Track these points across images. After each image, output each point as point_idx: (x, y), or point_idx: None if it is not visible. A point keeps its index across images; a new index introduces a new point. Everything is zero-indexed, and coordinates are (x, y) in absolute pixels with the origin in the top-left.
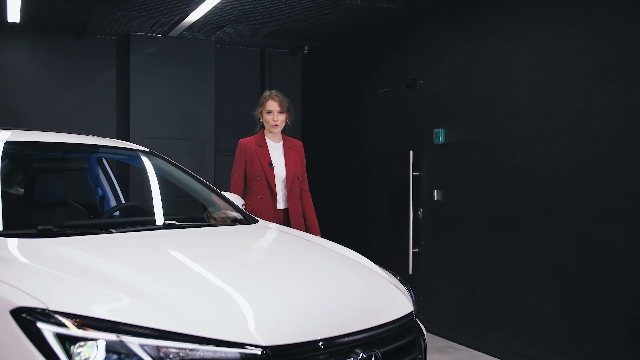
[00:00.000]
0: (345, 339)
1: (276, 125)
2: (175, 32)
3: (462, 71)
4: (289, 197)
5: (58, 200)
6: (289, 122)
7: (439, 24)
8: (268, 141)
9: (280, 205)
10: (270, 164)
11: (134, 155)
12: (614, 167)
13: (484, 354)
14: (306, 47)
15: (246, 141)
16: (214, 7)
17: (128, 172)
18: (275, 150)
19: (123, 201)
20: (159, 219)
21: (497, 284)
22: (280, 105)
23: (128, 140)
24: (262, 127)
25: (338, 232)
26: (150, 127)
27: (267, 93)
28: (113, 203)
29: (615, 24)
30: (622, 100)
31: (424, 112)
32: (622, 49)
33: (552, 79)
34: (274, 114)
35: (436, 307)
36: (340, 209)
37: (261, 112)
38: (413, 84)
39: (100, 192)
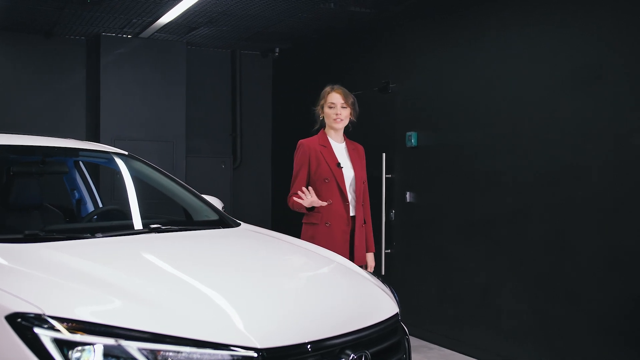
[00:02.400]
0: (336, 341)
1: (339, 120)
2: (146, 33)
3: (435, 75)
4: (357, 202)
5: (34, 203)
6: (353, 118)
7: (412, 28)
8: (331, 141)
9: (352, 210)
10: (339, 164)
11: (112, 158)
12: (584, 169)
13: (457, 353)
14: (277, 50)
15: (308, 141)
16: (188, 9)
17: (98, 174)
18: (340, 151)
19: (100, 205)
20: (145, 223)
21: (469, 284)
22: (344, 98)
23: (98, 142)
24: (322, 126)
25: None
26: (120, 129)
27: (329, 87)
28: (90, 206)
29: (586, 32)
30: (591, 105)
31: (396, 115)
32: (591, 56)
33: (522, 83)
34: (336, 107)
35: (409, 307)
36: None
37: (322, 107)
38: (385, 87)
39: (77, 195)
